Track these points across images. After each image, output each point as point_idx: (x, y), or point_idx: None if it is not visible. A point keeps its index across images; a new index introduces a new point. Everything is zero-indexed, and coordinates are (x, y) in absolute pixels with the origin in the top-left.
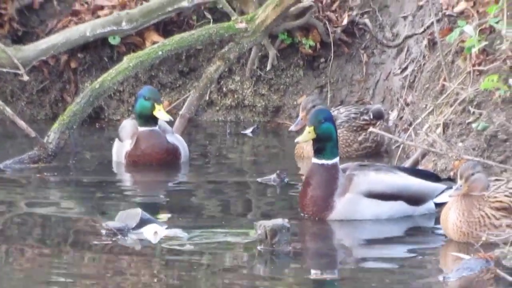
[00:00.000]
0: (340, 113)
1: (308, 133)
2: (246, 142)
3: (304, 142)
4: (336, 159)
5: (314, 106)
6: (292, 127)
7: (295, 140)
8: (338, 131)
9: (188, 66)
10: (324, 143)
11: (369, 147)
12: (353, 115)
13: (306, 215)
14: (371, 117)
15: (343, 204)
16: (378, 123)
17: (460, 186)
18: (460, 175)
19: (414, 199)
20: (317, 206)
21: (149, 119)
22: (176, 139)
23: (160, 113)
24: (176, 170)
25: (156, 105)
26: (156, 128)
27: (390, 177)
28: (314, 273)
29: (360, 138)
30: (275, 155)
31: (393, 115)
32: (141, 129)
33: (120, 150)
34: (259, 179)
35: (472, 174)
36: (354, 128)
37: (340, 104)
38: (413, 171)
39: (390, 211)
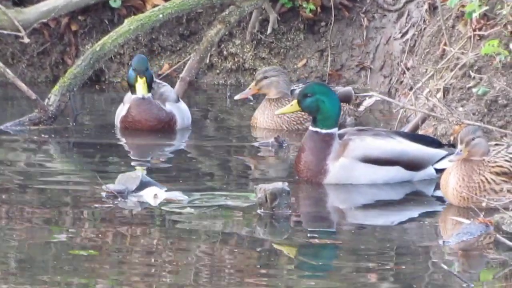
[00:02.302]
0: (296, 90)
1: (291, 106)
2: (246, 105)
3: (285, 113)
4: (331, 130)
5: (265, 77)
6: (237, 96)
7: (276, 112)
8: None
9: (189, 29)
10: (313, 115)
11: None
12: None
13: (302, 179)
14: None
15: (337, 168)
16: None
17: (460, 151)
18: (460, 140)
19: (412, 165)
20: (310, 170)
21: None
22: (176, 107)
23: (138, 86)
24: (173, 135)
25: (138, 78)
26: (149, 95)
27: (388, 142)
28: (315, 237)
29: None
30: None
31: (368, 101)
32: (134, 96)
33: (119, 113)
34: (257, 143)
35: (473, 139)
36: None
37: (341, 67)
38: (414, 136)
39: (386, 176)
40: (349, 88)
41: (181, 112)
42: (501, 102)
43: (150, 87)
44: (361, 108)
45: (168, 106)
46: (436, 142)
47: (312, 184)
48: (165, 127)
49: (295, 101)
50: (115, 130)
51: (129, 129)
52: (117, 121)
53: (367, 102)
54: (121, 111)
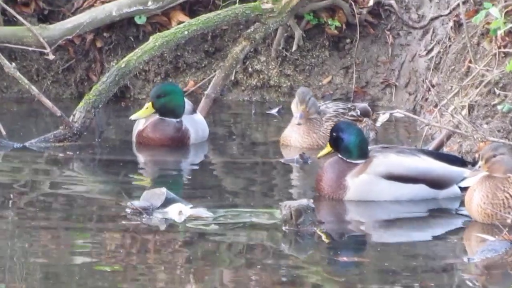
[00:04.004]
0: (328, 108)
1: (326, 148)
2: (271, 122)
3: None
4: (355, 161)
5: (309, 98)
6: (300, 121)
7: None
8: (327, 123)
9: (214, 46)
10: (338, 152)
11: None
12: (341, 110)
13: (323, 196)
14: (359, 113)
15: (357, 184)
16: (364, 120)
17: (479, 167)
18: (481, 156)
19: (437, 183)
20: (330, 187)
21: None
22: (192, 120)
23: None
24: (195, 151)
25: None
26: (170, 119)
27: (412, 160)
28: (342, 255)
29: None
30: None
31: (383, 117)
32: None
33: (135, 129)
34: (282, 160)
35: (494, 156)
36: None
37: (366, 84)
38: (438, 155)
39: (410, 194)
40: (364, 104)
41: (195, 125)
42: None
43: (165, 113)
44: (378, 123)
45: (184, 121)
46: (460, 161)
47: (333, 200)
48: (178, 145)
49: (328, 143)
50: (134, 147)
51: (143, 144)
52: (133, 135)
53: (383, 118)
54: (137, 125)
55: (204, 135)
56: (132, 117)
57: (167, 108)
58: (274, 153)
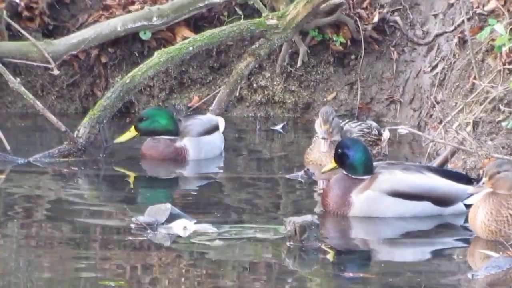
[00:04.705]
0: (352, 127)
1: (331, 164)
2: (275, 138)
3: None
4: (361, 176)
5: (333, 119)
6: (323, 148)
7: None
8: None
9: (219, 62)
10: (342, 168)
11: (381, 160)
12: (366, 130)
13: (328, 212)
14: (377, 132)
15: (361, 200)
16: (382, 138)
17: (483, 183)
18: (485, 173)
19: (442, 201)
20: (335, 203)
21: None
22: (197, 141)
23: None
24: (192, 167)
25: None
26: (160, 137)
27: (417, 177)
28: (347, 270)
29: (374, 152)
30: (304, 152)
31: (385, 134)
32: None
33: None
34: (287, 176)
35: (498, 172)
36: (370, 142)
37: (370, 101)
38: (444, 172)
39: (414, 210)
40: (374, 123)
41: (199, 146)
42: None
43: (149, 135)
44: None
45: (185, 141)
46: (466, 178)
47: (338, 217)
48: (171, 160)
49: (333, 159)
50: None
51: (143, 159)
52: None
53: (385, 135)
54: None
55: (207, 157)
56: (116, 141)
57: (149, 131)
58: (279, 168)
